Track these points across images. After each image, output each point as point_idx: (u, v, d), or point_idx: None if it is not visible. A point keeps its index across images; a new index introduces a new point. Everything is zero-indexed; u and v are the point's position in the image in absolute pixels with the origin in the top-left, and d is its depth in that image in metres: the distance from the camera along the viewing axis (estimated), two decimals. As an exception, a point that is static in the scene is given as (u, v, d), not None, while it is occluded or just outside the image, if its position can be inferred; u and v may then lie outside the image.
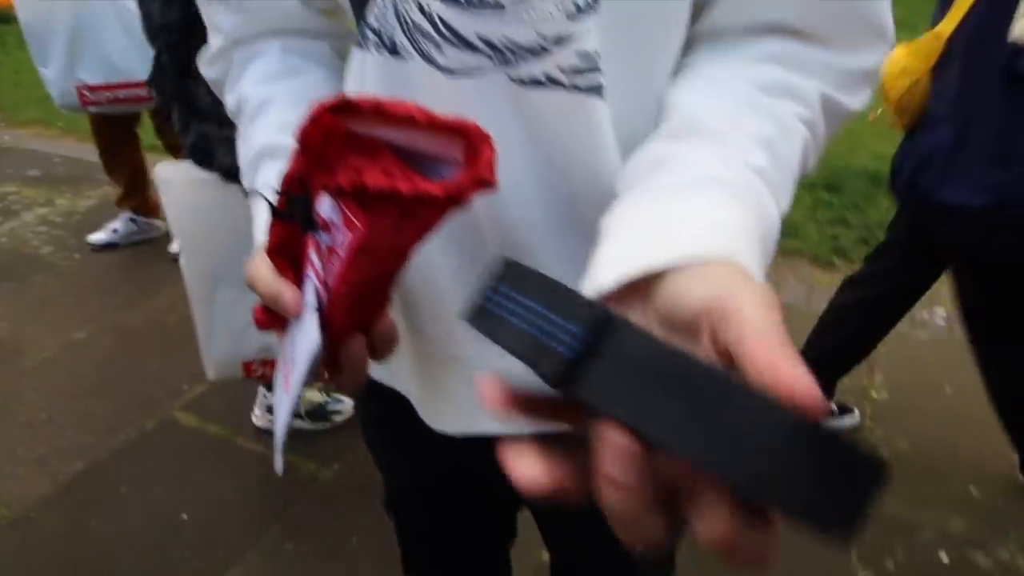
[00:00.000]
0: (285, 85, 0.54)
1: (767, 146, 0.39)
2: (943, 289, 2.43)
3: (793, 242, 2.73)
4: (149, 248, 2.88)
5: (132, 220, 2.88)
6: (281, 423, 0.43)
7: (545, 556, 0.89)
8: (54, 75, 2.39)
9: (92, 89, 2.39)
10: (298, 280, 0.42)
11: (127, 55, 2.35)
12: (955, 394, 1.96)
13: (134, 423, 1.94)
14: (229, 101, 0.58)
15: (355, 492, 1.70)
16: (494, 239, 0.49)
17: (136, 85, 2.39)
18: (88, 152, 3.79)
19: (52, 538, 1.60)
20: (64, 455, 1.84)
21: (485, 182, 0.33)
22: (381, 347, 0.43)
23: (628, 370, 0.23)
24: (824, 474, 0.21)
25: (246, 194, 0.53)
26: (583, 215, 0.47)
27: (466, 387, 0.57)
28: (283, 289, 0.41)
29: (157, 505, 1.68)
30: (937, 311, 2.32)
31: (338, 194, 0.36)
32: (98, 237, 2.87)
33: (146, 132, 2.79)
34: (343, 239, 0.36)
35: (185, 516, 1.65)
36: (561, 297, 0.26)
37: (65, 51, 2.35)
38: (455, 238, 0.51)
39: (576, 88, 0.43)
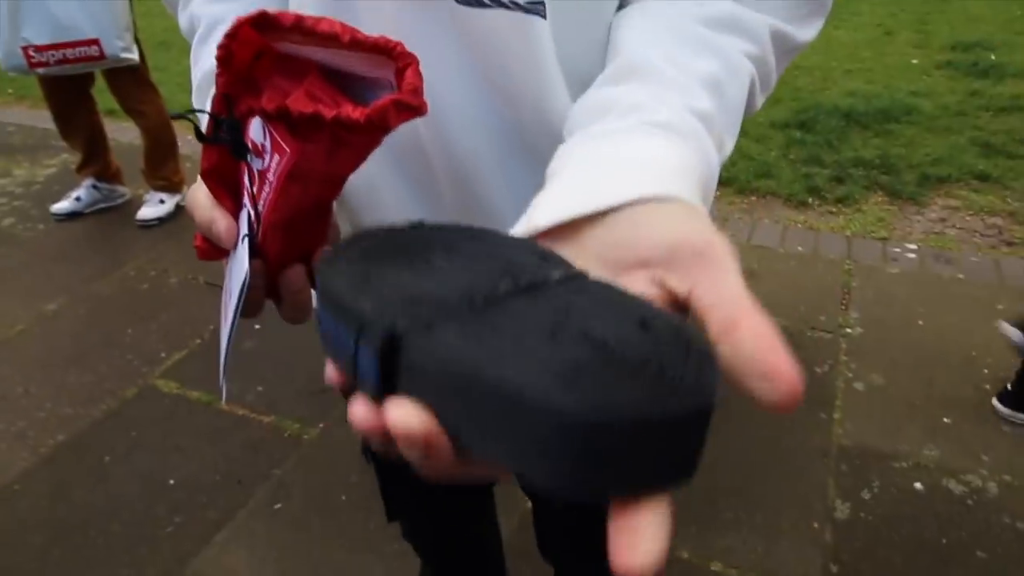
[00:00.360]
0: (237, 5, 0.52)
1: (713, 87, 0.39)
2: (914, 225, 2.47)
3: (766, 182, 2.74)
4: (115, 215, 2.81)
5: (95, 187, 2.80)
6: (222, 353, 0.43)
7: (530, 504, 0.91)
8: (-2, 36, 2.28)
9: (39, 49, 2.28)
10: (236, 207, 0.41)
11: (72, 12, 2.24)
12: (928, 328, 2.00)
13: (114, 392, 1.92)
14: (182, 21, 0.56)
15: (341, 451, 1.71)
16: (441, 167, 0.49)
17: (85, 43, 2.28)
18: (42, 119, 3.65)
19: (37, 508, 1.60)
20: (44, 427, 1.82)
21: (410, 107, 0.32)
22: None
23: (426, 384, 0.22)
24: (638, 447, 0.19)
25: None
26: (531, 145, 0.47)
27: None
28: (216, 218, 0.40)
29: (142, 472, 1.68)
30: (908, 246, 2.35)
31: (266, 118, 0.35)
32: (61, 206, 2.78)
33: (103, 95, 2.68)
34: (273, 164, 0.36)
35: (172, 481, 1.65)
36: (353, 315, 0.25)
37: (8, 10, 2.23)
38: (403, 168, 0.50)
39: (516, 5, 0.43)
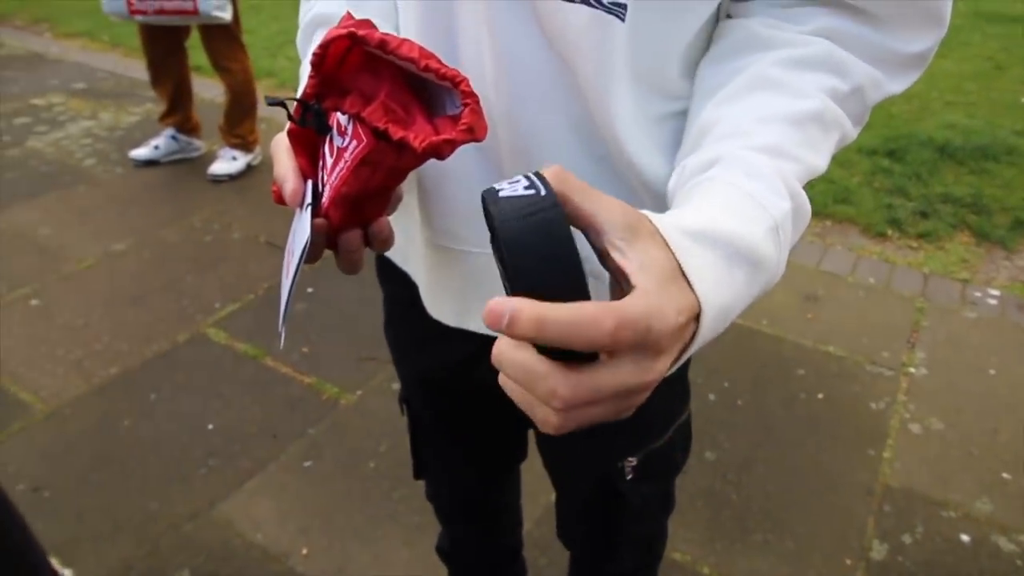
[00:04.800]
0: None
1: (796, 125, 0.43)
2: (1000, 270, 2.34)
3: (844, 208, 2.62)
4: (188, 167, 2.90)
5: (174, 138, 2.90)
6: (283, 304, 0.48)
7: (552, 497, 0.89)
8: (105, -20, 2.38)
9: (141, -2, 2.37)
10: (308, 165, 0.48)
11: (177, -33, 2.33)
12: (999, 378, 1.89)
13: (167, 335, 1.98)
14: None
15: (375, 420, 1.72)
16: (506, 140, 0.52)
17: (183, -3, 2.37)
18: (132, 68, 3.81)
19: (83, 433, 1.66)
20: (99, 359, 1.89)
21: (460, 143, 0.39)
22: (376, 243, 0.50)
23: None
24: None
25: None
26: (591, 133, 0.51)
27: (462, 281, 0.62)
28: (288, 178, 0.47)
29: (184, 413, 1.73)
30: (990, 291, 2.22)
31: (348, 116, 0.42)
32: (140, 153, 2.89)
33: (195, 52, 2.77)
34: (351, 147, 0.42)
35: (211, 426, 1.69)
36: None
37: (116, -42, 2.33)
38: None
39: (600, 4, 0.44)
